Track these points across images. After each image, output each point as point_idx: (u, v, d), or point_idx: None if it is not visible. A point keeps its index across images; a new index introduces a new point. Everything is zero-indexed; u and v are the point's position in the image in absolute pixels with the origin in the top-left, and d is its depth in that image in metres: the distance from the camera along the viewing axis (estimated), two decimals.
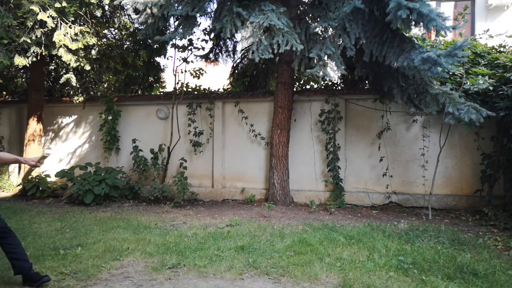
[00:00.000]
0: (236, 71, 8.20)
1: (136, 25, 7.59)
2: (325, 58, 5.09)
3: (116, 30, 8.42)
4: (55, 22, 5.65)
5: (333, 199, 6.40)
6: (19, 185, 7.46)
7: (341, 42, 5.11)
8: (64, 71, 8.17)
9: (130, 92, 8.78)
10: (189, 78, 7.85)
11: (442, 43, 5.89)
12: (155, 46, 7.37)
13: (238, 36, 8.07)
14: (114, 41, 8.02)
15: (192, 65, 7.42)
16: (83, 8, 6.14)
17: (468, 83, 5.34)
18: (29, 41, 5.56)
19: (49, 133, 8.37)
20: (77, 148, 8.24)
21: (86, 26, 6.40)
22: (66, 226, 4.89)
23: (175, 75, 7.42)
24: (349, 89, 6.87)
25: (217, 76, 11.33)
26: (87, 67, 6.54)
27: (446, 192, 6.26)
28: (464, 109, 4.82)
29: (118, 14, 7.89)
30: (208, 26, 7.22)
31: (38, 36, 5.72)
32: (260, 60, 5.07)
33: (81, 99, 7.66)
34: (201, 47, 7.17)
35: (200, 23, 6.64)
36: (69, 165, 7.96)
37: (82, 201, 6.33)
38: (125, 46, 7.83)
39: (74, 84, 7.15)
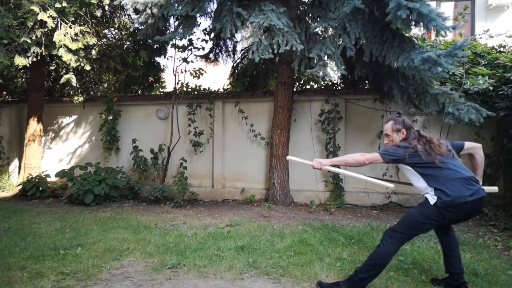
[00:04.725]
0: (236, 71, 8.20)
1: (136, 25, 7.59)
2: (325, 58, 5.08)
3: (116, 30, 8.42)
4: (55, 22, 5.65)
5: (333, 199, 6.41)
6: (19, 185, 7.46)
7: (341, 42, 5.11)
8: (64, 71, 8.18)
9: (130, 92, 8.78)
10: (189, 78, 7.86)
11: (442, 43, 5.89)
12: (155, 46, 7.37)
13: (238, 36, 8.08)
14: (114, 41, 8.02)
15: (192, 65, 7.43)
16: (83, 8, 6.14)
17: (468, 83, 5.33)
18: (29, 41, 5.56)
19: (49, 133, 8.37)
20: (77, 148, 8.24)
21: (86, 26, 6.40)
22: (66, 226, 4.89)
23: (175, 75, 7.43)
24: (349, 89, 6.87)
25: (217, 76, 11.33)
26: (87, 67, 6.54)
27: None
28: (464, 109, 4.82)
29: (118, 14, 7.90)
30: (208, 26, 7.22)
31: (38, 36, 5.72)
32: (260, 60, 5.07)
33: (81, 99, 7.66)
34: (201, 47, 7.18)
35: (200, 23, 6.64)
36: (69, 165, 7.96)
37: (82, 201, 6.33)
38: (125, 46, 7.82)
39: (74, 84, 7.15)
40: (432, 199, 2.72)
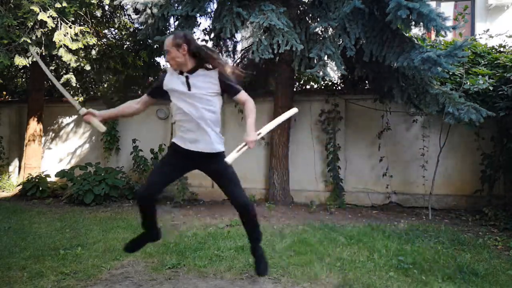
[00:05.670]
0: None
1: (136, 25, 7.58)
2: (325, 58, 5.09)
3: (116, 30, 8.42)
4: (55, 22, 5.65)
5: (333, 199, 6.40)
6: (19, 185, 7.46)
7: (341, 42, 5.11)
8: (64, 71, 8.18)
9: (130, 92, 8.77)
10: None
11: (442, 43, 5.89)
12: (155, 46, 7.37)
13: (238, 36, 8.07)
14: (114, 41, 8.01)
15: None
16: (83, 8, 6.14)
17: (468, 83, 5.33)
18: (29, 41, 5.56)
19: (49, 133, 8.37)
20: (77, 148, 8.24)
21: (86, 26, 6.40)
22: (66, 226, 4.89)
23: None
24: (349, 89, 6.87)
25: None
26: (87, 67, 6.54)
27: (446, 192, 6.25)
28: (464, 109, 4.82)
29: (118, 14, 7.89)
30: (208, 26, 7.21)
31: (38, 36, 5.72)
32: (260, 60, 5.07)
33: (81, 99, 7.66)
34: None
35: (200, 23, 6.64)
36: (69, 165, 7.96)
37: (82, 201, 6.32)
38: (125, 46, 7.82)
39: (74, 84, 7.15)
40: (223, 147, 2.78)
